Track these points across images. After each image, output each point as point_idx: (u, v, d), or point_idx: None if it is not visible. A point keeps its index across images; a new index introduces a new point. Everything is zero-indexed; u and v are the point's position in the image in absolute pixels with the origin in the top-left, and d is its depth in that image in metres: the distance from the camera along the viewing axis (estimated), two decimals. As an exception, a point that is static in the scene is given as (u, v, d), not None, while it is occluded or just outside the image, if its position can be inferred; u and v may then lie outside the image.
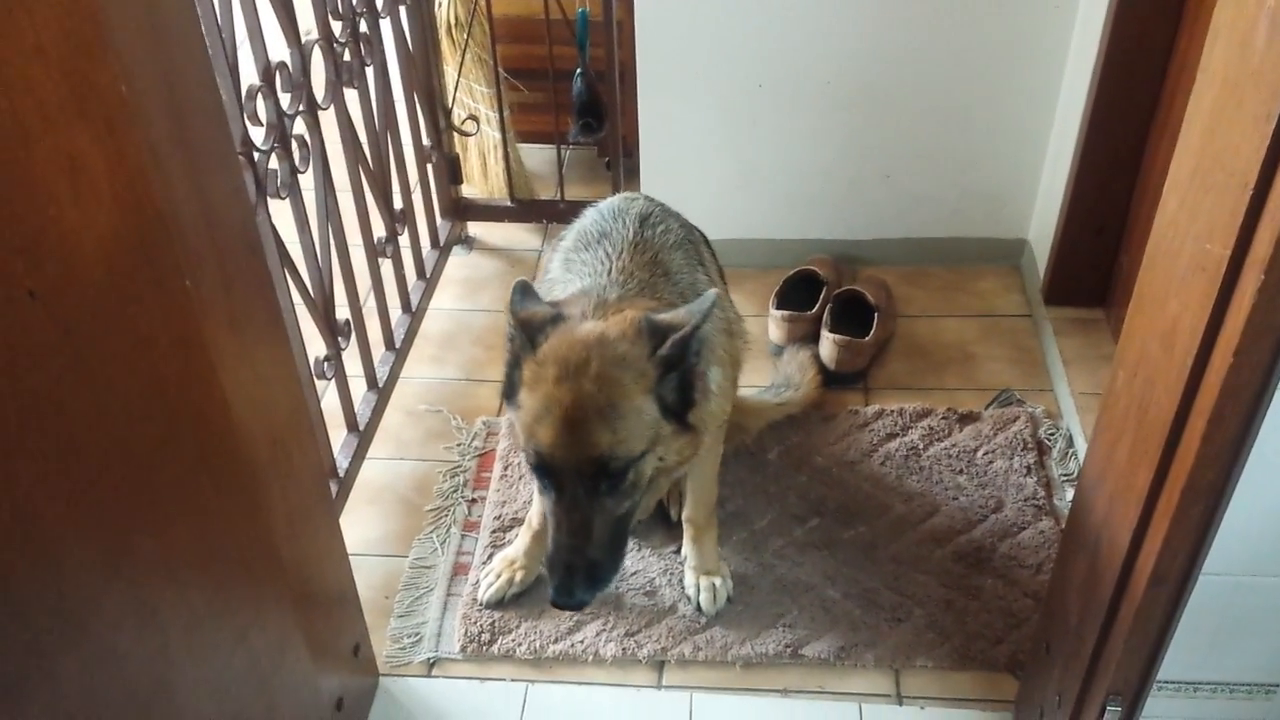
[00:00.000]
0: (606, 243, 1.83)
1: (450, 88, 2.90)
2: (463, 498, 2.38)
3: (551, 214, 3.02)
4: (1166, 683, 1.54)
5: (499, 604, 2.14)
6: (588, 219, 1.94)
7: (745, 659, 2.05)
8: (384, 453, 2.48)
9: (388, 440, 2.51)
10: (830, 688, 2.02)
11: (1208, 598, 1.40)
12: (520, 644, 2.08)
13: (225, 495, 1.38)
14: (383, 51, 2.37)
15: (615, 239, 1.84)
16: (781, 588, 2.16)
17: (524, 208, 3.06)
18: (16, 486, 0.98)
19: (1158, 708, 1.57)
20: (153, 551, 1.22)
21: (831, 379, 2.59)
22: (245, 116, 1.77)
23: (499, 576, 2.15)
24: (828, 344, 2.58)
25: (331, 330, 2.16)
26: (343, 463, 2.23)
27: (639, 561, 2.22)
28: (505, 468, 2.42)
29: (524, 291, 1.61)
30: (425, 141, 2.81)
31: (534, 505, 2.15)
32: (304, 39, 1.98)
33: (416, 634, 2.12)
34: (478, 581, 2.17)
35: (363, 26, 2.25)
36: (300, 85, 1.96)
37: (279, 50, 1.92)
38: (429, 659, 2.08)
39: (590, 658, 2.06)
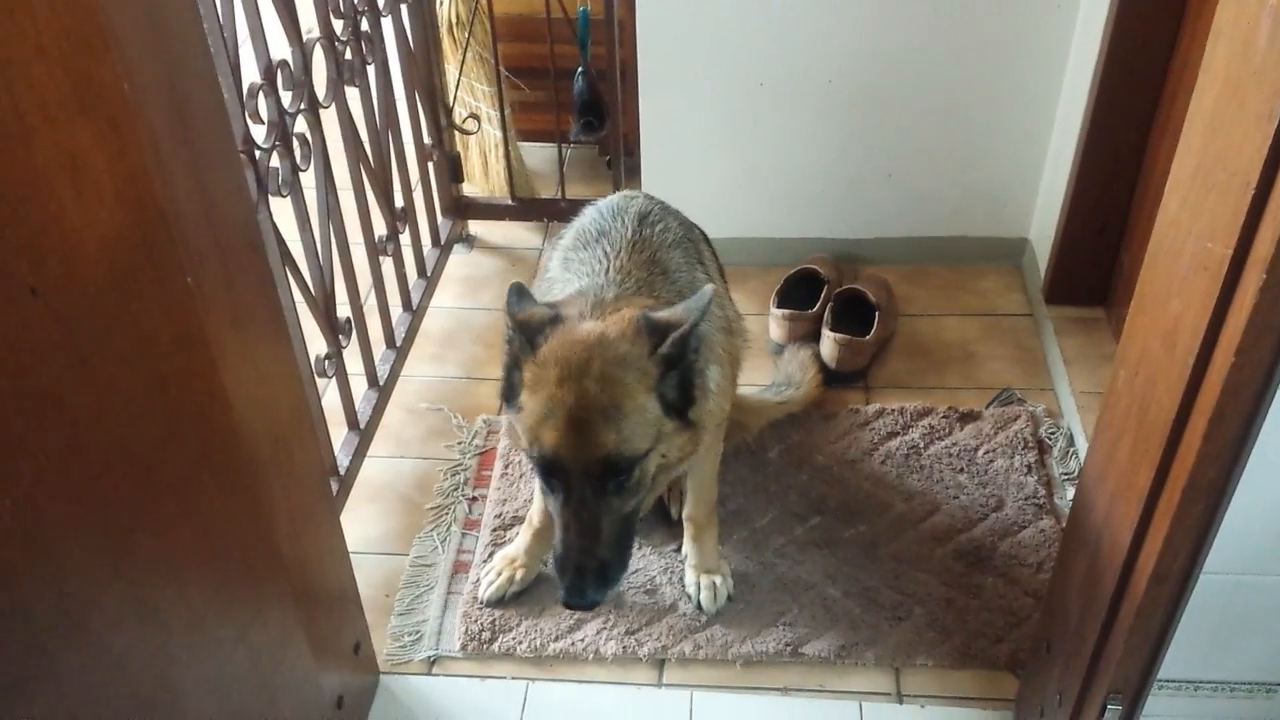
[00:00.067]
0: (605, 241, 1.83)
1: (451, 86, 2.90)
2: (463, 496, 2.39)
3: (552, 212, 3.02)
4: (1167, 681, 1.54)
5: (499, 602, 2.14)
6: (587, 217, 1.94)
7: (746, 657, 2.05)
8: (385, 451, 2.48)
9: (388, 438, 2.51)
10: (831, 686, 2.02)
11: (1208, 596, 1.40)
12: (521, 642, 2.08)
13: (226, 493, 1.38)
14: (384, 50, 2.37)
15: (614, 237, 1.84)
16: (782, 586, 2.16)
17: (525, 206, 3.06)
18: (18, 485, 0.98)
19: (1158, 706, 1.57)
20: (154, 550, 1.22)
21: (832, 378, 2.59)
22: (247, 114, 1.77)
23: (500, 575, 2.15)
24: (828, 343, 2.58)
25: (332, 328, 2.16)
26: (343, 461, 2.23)
27: (639, 560, 2.21)
28: (506, 466, 2.42)
29: (520, 293, 1.61)
30: (426, 140, 2.81)
31: (534, 503, 2.15)
32: (305, 37, 1.98)
33: (417, 632, 2.12)
34: (478, 580, 2.17)
35: (364, 25, 2.25)
36: (302, 83, 1.96)
37: (280, 48, 1.92)
38: (429, 657, 2.08)
39: (591, 656, 2.06)
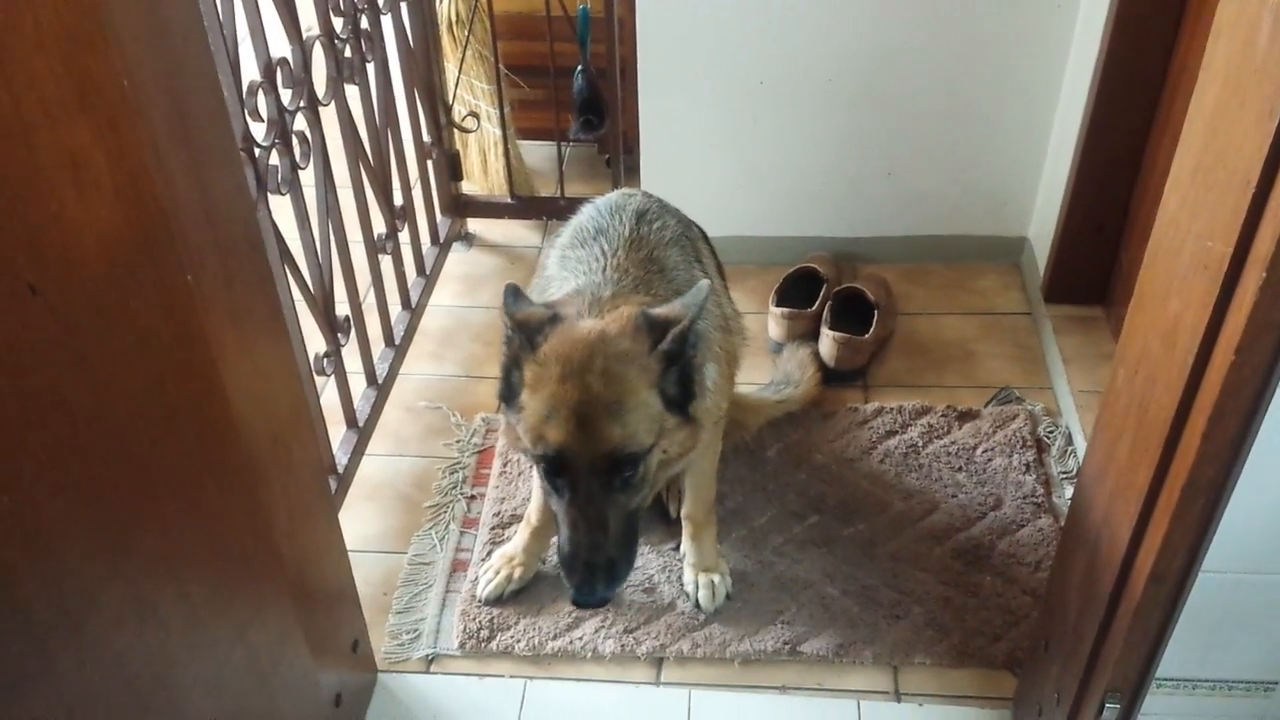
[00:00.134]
0: (603, 239, 1.83)
1: (451, 84, 2.90)
2: (461, 494, 2.38)
3: (551, 211, 3.02)
4: (1165, 680, 1.54)
5: (498, 600, 2.14)
6: (585, 215, 1.94)
7: (744, 656, 2.05)
8: (383, 449, 2.48)
9: (387, 437, 2.51)
10: (829, 685, 2.02)
11: (1207, 595, 1.40)
12: (519, 640, 2.08)
13: (225, 491, 1.38)
14: (384, 48, 2.37)
15: (611, 235, 1.84)
16: (780, 585, 2.16)
17: (524, 204, 3.06)
18: (17, 482, 0.98)
19: (1156, 705, 1.57)
20: (153, 548, 1.22)
21: (831, 376, 2.59)
22: (246, 112, 1.77)
23: (498, 573, 2.15)
24: (827, 341, 2.58)
25: (331, 326, 2.16)
26: (342, 459, 2.23)
27: (638, 558, 2.21)
28: (504, 464, 2.42)
29: (516, 294, 1.61)
30: (426, 138, 2.81)
31: (532, 501, 2.15)
32: (305, 35, 1.98)
33: (415, 630, 2.12)
34: (476, 578, 2.17)
35: (364, 23, 2.25)
36: (301, 81, 1.96)
37: (280, 46, 1.92)
38: (428, 655, 2.08)
39: (589, 654, 2.06)
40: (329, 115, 2.09)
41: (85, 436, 1.08)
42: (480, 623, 2.10)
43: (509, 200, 3.05)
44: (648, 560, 2.21)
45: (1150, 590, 1.37)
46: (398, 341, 2.57)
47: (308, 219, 2.06)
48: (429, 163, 2.86)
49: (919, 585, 2.14)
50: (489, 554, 2.22)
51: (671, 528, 2.25)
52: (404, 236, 2.62)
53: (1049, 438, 2.45)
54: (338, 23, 2.13)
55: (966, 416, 2.49)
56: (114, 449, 1.13)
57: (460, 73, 2.91)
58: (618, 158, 2.91)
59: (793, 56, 2.64)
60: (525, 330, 1.57)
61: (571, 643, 2.07)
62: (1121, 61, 2.34)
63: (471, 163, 3.12)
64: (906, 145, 2.78)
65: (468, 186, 3.12)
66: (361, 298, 2.34)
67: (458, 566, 2.23)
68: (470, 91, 2.99)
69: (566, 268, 1.83)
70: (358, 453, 2.30)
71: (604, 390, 1.51)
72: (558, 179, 3.02)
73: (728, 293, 2.12)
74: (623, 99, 2.80)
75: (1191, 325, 1.20)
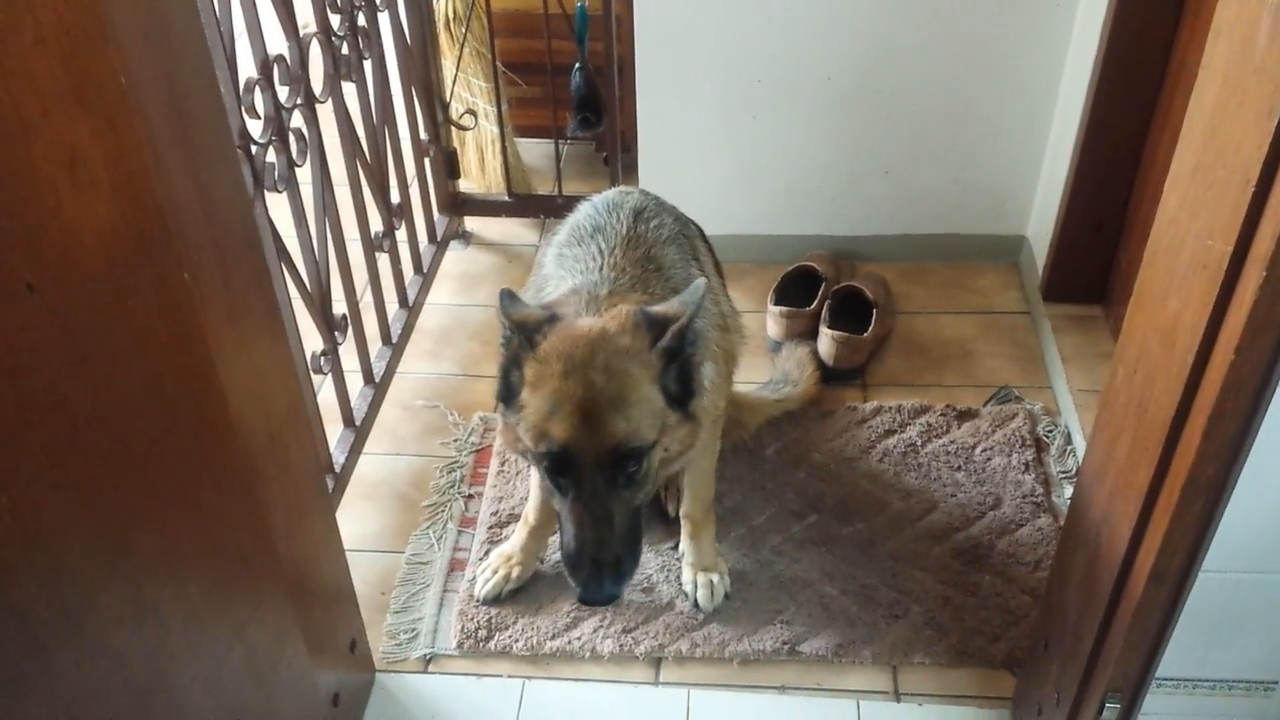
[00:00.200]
0: (600, 237, 1.83)
1: (448, 82, 2.89)
2: (459, 493, 2.38)
3: (549, 209, 3.02)
4: (1165, 680, 1.54)
5: (496, 600, 2.13)
6: (582, 213, 1.93)
7: (743, 656, 2.05)
8: (380, 448, 2.47)
9: (384, 435, 2.50)
10: (828, 684, 2.02)
11: (1207, 595, 1.40)
12: (517, 640, 2.07)
13: (223, 490, 1.37)
14: (381, 45, 2.37)
15: (609, 233, 1.84)
16: (779, 584, 2.16)
17: (521, 202, 3.06)
18: (15, 481, 0.98)
19: (1156, 704, 1.57)
20: (151, 547, 1.22)
21: (830, 375, 2.59)
22: (243, 109, 1.76)
23: (496, 572, 2.14)
24: (826, 340, 2.58)
25: (328, 325, 2.16)
26: (339, 458, 2.22)
27: (637, 557, 2.21)
28: (502, 463, 2.42)
29: (510, 298, 1.61)
30: (423, 136, 2.80)
31: (531, 500, 2.14)
32: (302, 32, 1.98)
33: (413, 630, 2.12)
34: (474, 577, 2.17)
35: (361, 20, 2.24)
36: (298, 78, 1.95)
37: (277, 43, 1.92)
38: (425, 655, 2.08)
39: (587, 654, 2.06)
40: (326, 112, 2.08)
41: (84, 436, 1.07)
42: (478, 622, 2.10)
43: (506, 198, 3.04)
44: (646, 560, 2.21)
45: (1150, 590, 1.37)
46: (395, 340, 2.57)
47: (304, 217, 2.06)
48: (426, 160, 2.86)
49: (918, 585, 2.14)
50: (487, 553, 2.21)
51: (670, 527, 2.24)
52: (401, 234, 2.62)
53: (1048, 437, 2.45)
54: (335, 20, 2.12)
55: (965, 416, 2.49)
56: (112, 448, 1.13)
57: (458, 70, 2.90)
58: (615, 156, 2.91)
59: (791, 54, 2.64)
60: (524, 329, 1.57)
61: (570, 642, 2.07)
62: (1120, 60, 2.34)
63: (469, 160, 3.12)
64: (905, 144, 2.77)
65: (465, 184, 3.12)
66: (359, 296, 2.34)
67: (455, 566, 2.23)
68: (468, 89, 2.99)
69: (563, 265, 1.83)
70: (355, 452, 2.30)
71: (607, 385, 1.51)
72: (555, 177, 3.01)
73: (725, 291, 2.12)
74: (620, 97, 2.80)
75: (1191, 324, 1.20)
